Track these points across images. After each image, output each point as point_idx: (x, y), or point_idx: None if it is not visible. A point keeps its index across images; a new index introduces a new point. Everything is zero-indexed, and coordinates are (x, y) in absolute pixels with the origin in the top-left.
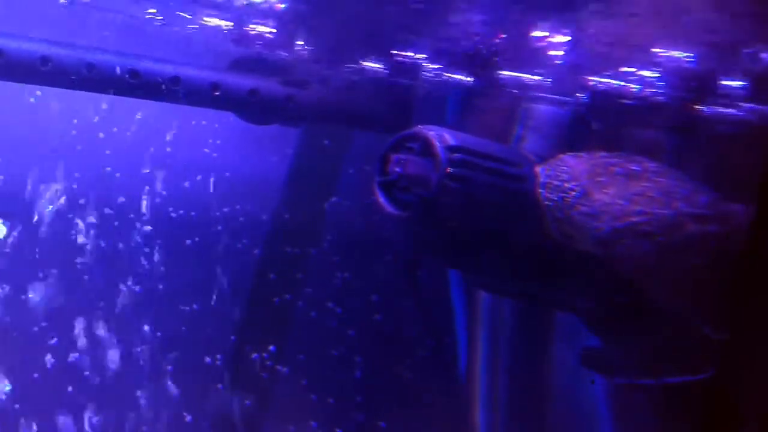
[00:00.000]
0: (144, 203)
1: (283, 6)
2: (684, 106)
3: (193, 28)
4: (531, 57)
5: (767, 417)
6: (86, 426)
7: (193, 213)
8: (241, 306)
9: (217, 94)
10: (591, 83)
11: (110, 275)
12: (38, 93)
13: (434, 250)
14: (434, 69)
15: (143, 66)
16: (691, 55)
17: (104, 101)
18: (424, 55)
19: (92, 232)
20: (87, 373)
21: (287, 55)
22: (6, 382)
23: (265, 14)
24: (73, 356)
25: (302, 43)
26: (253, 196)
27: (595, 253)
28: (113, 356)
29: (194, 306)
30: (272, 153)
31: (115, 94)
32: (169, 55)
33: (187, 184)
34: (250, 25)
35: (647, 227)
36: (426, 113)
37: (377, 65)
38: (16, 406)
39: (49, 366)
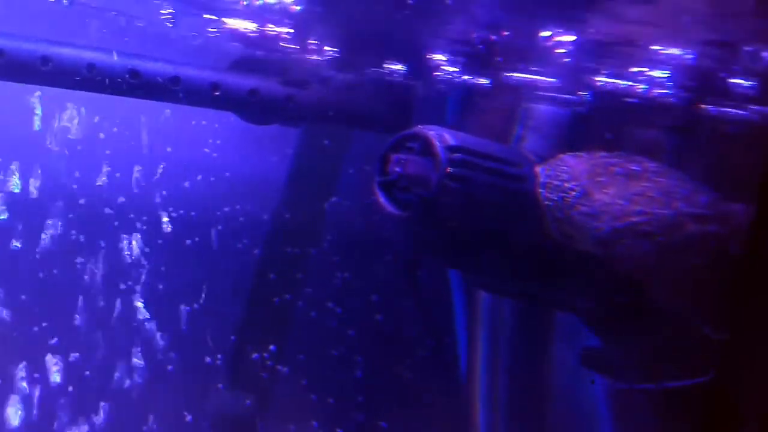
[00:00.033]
0: (144, 203)
1: (298, 8)
2: (690, 105)
3: (213, 32)
4: (536, 56)
5: (767, 417)
6: (88, 426)
7: (193, 213)
8: (242, 306)
9: (217, 94)
10: (598, 83)
11: (110, 275)
12: (38, 93)
13: (434, 250)
14: (452, 72)
15: (143, 66)
16: (691, 55)
17: (104, 101)
18: (444, 58)
19: (92, 232)
20: (87, 373)
21: (303, 56)
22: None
23: (280, 14)
24: (73, 356)
25: (323, 45)
26: (253, 196)
27: (595, 253)
28: (113, 356)
29: (194, 306)
30: (272, 153)
31: (115, 94)
32: (170, 55)
33: (187, 184)
34: (268, 25)
35: (647, 227)
36: (426, 113)
37: (399, 66)
38: None
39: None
